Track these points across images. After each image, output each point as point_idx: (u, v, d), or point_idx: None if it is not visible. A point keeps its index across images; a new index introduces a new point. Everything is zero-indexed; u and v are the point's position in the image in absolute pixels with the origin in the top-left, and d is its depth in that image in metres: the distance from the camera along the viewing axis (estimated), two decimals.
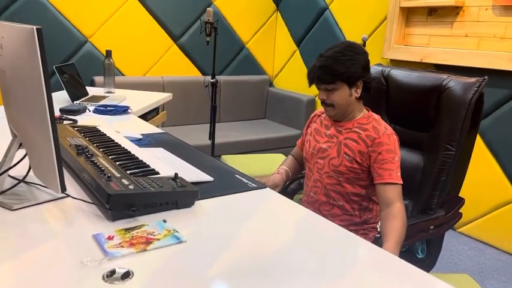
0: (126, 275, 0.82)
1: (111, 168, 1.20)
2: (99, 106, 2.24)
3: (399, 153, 1.57)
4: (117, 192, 1.03)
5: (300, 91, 4.18)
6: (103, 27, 3.61)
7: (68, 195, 1.13)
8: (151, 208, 1.09)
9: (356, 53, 1.56)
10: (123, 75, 3.81)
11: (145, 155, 1.39)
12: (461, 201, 1.81)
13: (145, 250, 0.92)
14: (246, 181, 1.37)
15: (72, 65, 2.60)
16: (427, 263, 1.79)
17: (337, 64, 1.53)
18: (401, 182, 1.52)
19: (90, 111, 2.21)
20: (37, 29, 0.85)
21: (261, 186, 1.34)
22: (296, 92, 4.26)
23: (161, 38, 3.91)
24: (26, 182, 1.18)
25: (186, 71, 4.11)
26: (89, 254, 0.88)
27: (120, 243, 0.93)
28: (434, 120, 1.79)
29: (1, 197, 1.09)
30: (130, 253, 0.90)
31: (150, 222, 1.04)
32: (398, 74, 1.96)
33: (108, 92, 2.79)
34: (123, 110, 2.21)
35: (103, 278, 0.81)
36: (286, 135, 4.04)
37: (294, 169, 1.89)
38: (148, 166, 1.28)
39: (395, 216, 1.45)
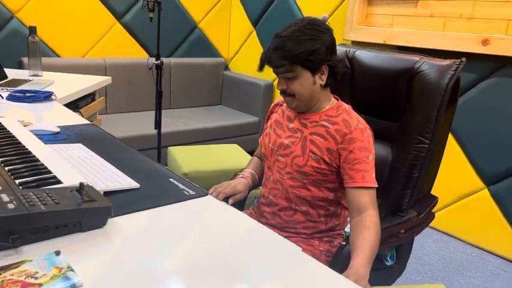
0: None
1: None
2: (16, 92, 1.87)
3: (374, 151, 1.32)
4: None
5: (258, 75, 3.91)
6: (32, 1, 3.16)
7: None
8: (43, 234, 0.79)
9: (318, 31, 1.28)
10: (58, 56, 3.38)
11: (51, 156, 1.07)
12: (434, 200, 1.61)
13: None
14: (183, 187, 1.09)
15: None
16: (395, 270, 1.59)
17: (296, 45, 1.25)
18: (376, 185, 1.28)
19: (3, 97, 1.84)
20: None
21: (201, 193, 1.07)
22: (253, 77, 3.98)
23: (102, 15, 3.50)
24: None
25: (131, 52, 3.73)
26: None
27: None
28: (405, 109, 1.56)
29: None
30: None
31: (35, 256, 0.74)
32: (365, 55, 1.72)
33: (34, 76, 2.41)
34: (44, 97, 1.86)
35: None
36: (242, 123, 3.77)
37: (260, 169, 1.59)
38: (49, 172, 0.97)
39: (367, 226, 1.21)
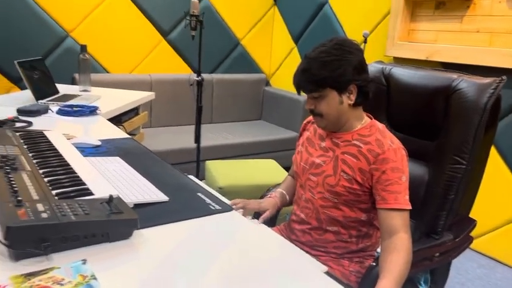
0: None
1: (31, 188, 0.95)
2: (64, 106, 2.00)
3: (407, 172, 1.29)
4: (21, 224, 0.78)
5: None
6: (86, 21, 3.37)
7: None
8: (72, 242, 0.84)
9: (345, 52, 1.28)
10: (107, 72, 3.57)
11: (87, 168, 1.14)
12: (472, 223, 1.54)
13: None
14: (209, 201, 1.12)
15: (41, 60, 2.37)
16: None
17: (321, 67, 1.25)
18: (410, 207, 1.25)
19: (53, 111, 1.97)
20: None
21: (226, 208, 1.09)
22: (293, 93, 4.00)
23: (149, 34, 3.67)
24: None
25: (176, 68, 3.86)
26: None
27: None
28: (442, 128, 1.52)
29: None
30: None
31: (63, 264, 0.79)
32: (401, 72, 1.69)
33: (83, 91, 2.55)
34: (90, 111, 1.97)
35: None
36: (281, 138, 3.78)
37: (293, 191, 1.60)
38: (84, 184, 1.03)
39: (397, 249, 1.18)
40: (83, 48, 2.54)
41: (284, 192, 1.54)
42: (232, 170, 2.48)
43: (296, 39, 4.06)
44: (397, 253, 1.16)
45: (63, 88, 2.53)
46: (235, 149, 3.48)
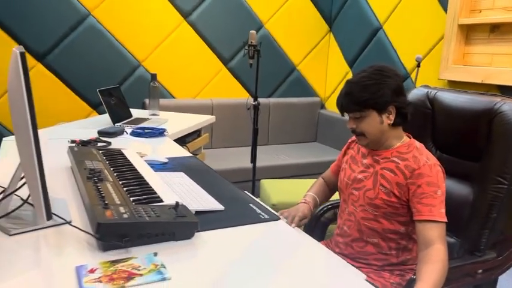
0: None
1: (114, 195, 1.16)
2: (137, 128, 2.27)
3: (443, 188, 1.37)
4: (108, 221, 0.98)
5: None
6: (155, 52, 3.73)
7: (67, 222, 1.10)
8: (146, 239, 1.03)
9: (384, 76, 1.41)
10: (174, 98, 3.89)
11: (157, 180, 1.34)
12: None
13: (123, 287, 0.85)
14: (259, 211, 1.28)
15: (117, 88, 2.68)
16: None
17: (362, 90, 1.40)
18: (445, 220, 1.33)
19: (127, 133, 2.24)
20: (20, 53, 0.83)
21: (274, 218, 1.24)
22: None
23: (211, 62, 3.96)
24: (32, 205, 1.18)
25: (235, 93, 4.11)
26: (60, 286, 0.83)
27: (99, 278, 0.87)
28: (485, 149, 1.58)
29: (4, 220, 1.09)
30: None
31: (140, 255, 0.98)
32: (445, 96, 1.77)
33: (152, 115, 2.84)
34: (158, 133, 2.22)
35: None
36: (335, 159, 3.86)
37: (323, 193, 1.75)
38: (155, 193, 1.22)
39: (433, 260, 1.26)
40: (153, 76, 2.84)
41: (315, 195, 1.68)
42: (286, 188, 2.62)
43: (351, 64, 4.18)
44: (432, 264, 1.24)
45: (135, 112, 2.83)
46: (290, 170, 3.62)
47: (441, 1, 3.17)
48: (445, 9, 3.11)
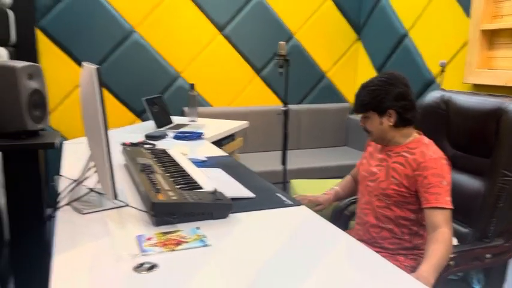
0: (152, 268, 0.99)
1: (163, 183, 1.40)
2: (178, 133, 2.53)
3: (449, 178, 1.54)
4: (160, 202, 1.22)
5: None
6: (193, 63, 4.02)
7: (127, 205, 1.35)
8: (190, 217, 1.26)
9: (387, 84, 1.60)
10: (210, 106, 4.16)
11: (197, 173, 1.58)
12: None
13: (173, 250, 1.08)
14: (284, 199, 1.48)
15: (160, 97, 2.97)
16: None
17: (366, 94, 1.62)
18: (450, 207, 1.50)
19: (170, 136, 2.50)
20: (96, 68, 1.09)
21: (297, 203, 1.44)
22: None
23: (245, 71, 4.21)
24: (98, 192, 1.43)
25: (268, 100, 4.34)
26: (128, 250, 1.07)
27: (155, 243, 1.11)
28: (494, 146, 1.72)
29: (76, 203, 1.35)
30: (160, 251, 1.07)
31: (185, 228, 1.21)
32: (458, 98, 1.93)
33: (191, 121, 3.10)
34: (197, 136, 2.47)
35: (133, 269, 0.98)
36: None
37: (349, 189, 1.95)
38: (196, 183, 1.46)
39: (438, 240, 1.43)
40: (192, 86, 3.11)
41: (339, 189, 1.92)
42: (314, 187, 2.80)
43: (378, 70, 4.32)
44: (437, 244, 1.41)
45: (175, 119, 3.10)
46: (320, 172, 3.80)
47: (464, 8, 3.29)
48: (468, 15, 3.22)
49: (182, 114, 3.94)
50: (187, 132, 2.54)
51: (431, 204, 1.50)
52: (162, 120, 2.79)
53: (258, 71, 4.26)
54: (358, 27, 4.54)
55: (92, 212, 1.31)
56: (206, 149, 2.28)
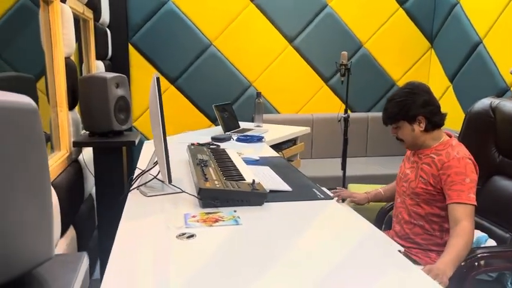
0: (191, 236, 1.24)
1: (213, 174, 1.66)
2: (241, 136, 2.80)
3: (473, 176, 1.62)
4: (206, 187, 1.47)
5: (452, 127, 4.06)
6: (264, 73, 4.30)
7: (182, 191, 1.63)
8: (230, 202, 1.50)
9: (411, 93, 1.71)
10: (278, 113, 4.41)
11: (244, 168, 1.82)
12: None
13: (211, 225, 1.33)
14: (318, 193, 1.66)
15: (229, 104, 3.27)
16: None
17: (393, 106, 1.73)
18: (472, 203, 1.57)
19: (233, 139, 2.78)
20: (156, 77, 1.38)
21: (328, 197, 1.61)
22: (450, 128, 4.14)
23: (313, 80, 4.39)
24: (160, 180, 1.73)
25: (335, 108, 4.45)
26: (175, 223, 1.34)
27: (197, 220, 1.36)
28: None
29: (143, 188, 1.66)
30: (201, 226, 1.32)
31: (225, 211, 1.45)
32: (506, 105, 1.95)
33: (257, 126, 3.36)
34: (257, 139, 2.72)
35: (176, 236, 1.24)
36: None
37: (391, 192, 2.04)
38: (241, 174, 1.70)
39: (458, 234, 1.52)
40: (258, 94, 3.38)
41: (381, 191, 2.04)
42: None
43: (451, 78, 4.24)
44: (457, 238, 1.50)
45: (243, 124, 3.39)
46: (381, 179, 3.83)
47: None
48: None
49: (252, 120, 4.22)
50: (250, 135, 2.80)
51: (453, 200, 1.58)
52: (230, 125, 3.08)
53: (326, 80, 4.42)
54: (430, 36, 4.50)
55: (154, 196, 1.61)
56: (263, 151, 2.51)
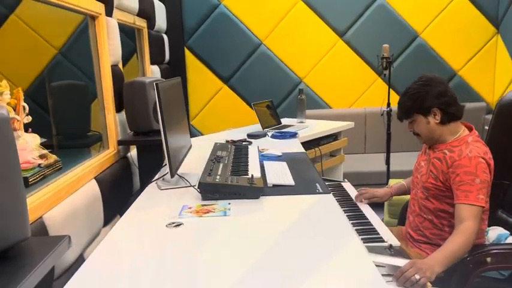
0: (178, 225, 1.38)
1: (220, 169, 1.79)
2: (276, 132, 2.89)
3: (483, 177, 1.54)
4: (205, 182, 1.60)
5: None
6: (314, 69, 4.32)
7: (191, 185, 1.77)
8: (229, 195, 1.61)
9: (425, 85, 1.66)
10: (330, 107, 4.40)
11: (255, 164, 1.92)
12: None
13: (201, 216, 1.46)
14: (318, 188, 1.71)
15: (269, 101, 3.36)
16: None
17: (407, 99, 1.70)
18: (480, 204, 1.51)
19: (268, 136, 2.88)
20: (155, 84, 1.54)
21: (327, 192, 1.66)
22: None
23: (366, 74, 4.31)
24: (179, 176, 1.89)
25: (392, 102, 4.33)
26: (171, 213, 1.49)
27: (191, 211, 1.50)
28: None
29: (160, 181, 1.84)
30: (192, 216, 1.46)
31: (221, 203, 1.56)
32: None
33: (300, 122, 3.41)
34: (290, 135, 2.79)
35: (166, 225, 1.39)
36: None
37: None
38: (247, 170, 1.80)
39: (459, 232, 1.47)
40: (300, 90, 3.43)
41: (404, 183, 2.00)
42: None
43: None
44: (456, 235, 1.46)
45: (286, 121, 3.46)
46: None
47: None
48: None
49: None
50: (284, 132, 2.87)
51: (460, 201, 1.53)
52: (268, 121, 3.18)
53: (380, 72, 4.31)
54: (496, 20, 4.17)
55: (167, 189, 1.78)
56: (291, 146, 2.56)
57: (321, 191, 1.67)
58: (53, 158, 1.89)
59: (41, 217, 1.63)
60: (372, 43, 4.24)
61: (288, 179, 1.80)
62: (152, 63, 3.70)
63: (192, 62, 4.35)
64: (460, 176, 1.55)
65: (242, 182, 1.63)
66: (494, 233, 1.77)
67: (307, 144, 2.91)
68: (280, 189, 1.70)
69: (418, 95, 1.68)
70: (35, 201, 1.63)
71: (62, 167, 1.94)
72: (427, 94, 1.66)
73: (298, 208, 1.53)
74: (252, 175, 1.67)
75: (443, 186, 1.63)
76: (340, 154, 3.35)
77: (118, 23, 2.81)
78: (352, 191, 2.14)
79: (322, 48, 4.30)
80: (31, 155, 1.81)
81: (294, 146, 2.59)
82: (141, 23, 3.42)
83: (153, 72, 3.67)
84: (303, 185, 1.75)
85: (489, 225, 1.88)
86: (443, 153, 1.66)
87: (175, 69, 4.27)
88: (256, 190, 1.61)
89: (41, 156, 1.85)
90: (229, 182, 1.61)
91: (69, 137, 2.57)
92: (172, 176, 1.63)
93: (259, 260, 1.14)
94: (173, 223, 1.40)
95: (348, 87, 4.36)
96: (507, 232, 1.74)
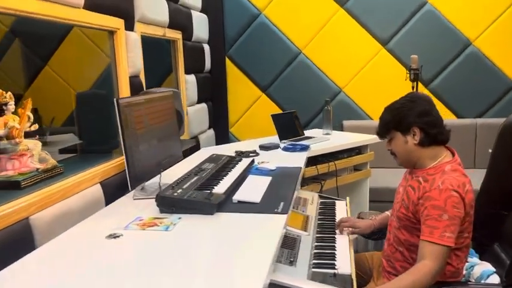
0: (116, 237, 1.43)
1: (189, 183, 1.80)
2: (288, 145, 2.83)
3: (454, 212, 1.38)
4: (163, 195, 1.64)
5: None
6: (355, 78, 4.15)
7: (152, 198, 1.80)
8: (184, 209, 1.63)
9: (409, 101, 1.53)
10: (371, 119, 4.19)
11: (231, 179, 1.90)
12: None
13: (144, 229, 1.49)
14: (281, 207, 1.64)
15: (291, 112, 3.29)
16: None
17: (387, 114, 1.57)
18: (444, 243, 1.35)
19: (280, 148, 2.84)
20: (116, 100, 1.61)
21: (285, 212, 1.60)
22: None
23: (410, 84, 4.04)
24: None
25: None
26: (120, 224, 1.54)
27: (139, 223, 1.54)
28: None
29: (138, 191, 1.91)
30: (136, 229, 1.49)
31: (171, 217, 1.58)
32: None
33: (325, 134, 3.31)
34: (300, 148, 2.72)
35: (106, 236, 1.44)
36: None
37: None
38: (216, 185, 1.80)
39: (412, 270, 1.34)
40: (327, 102, 3.33)
41: (388, 213, 1.84)
42: None
43: None
44: (407, 274, 1.34)
45: (310, 132, 3.37)
46: None
47: None
48: None
49: (341, 127, 4.13)
50: (297, 144, 2.81)
51: (424, 237, 1.39)
52: (287, 133, 3.12)
53: (426, 83, 4.03)
54: None
55: (139, 198, 1.84)
56: (293, 160, 2.48)
57: (279, 211, 1.62)
58: (52, 163, 2.05)
59: (27, 218, 1.78)
60: (418, 52, 3.96)
61: (255, 196, 1.76)
62: (189, 72, 3.83)
63: (232, 70, 4.43)
64: (428, 210, 1.41)
65: (199, 197, 1.63)
66: (480, 269, 1.58)
67: (322, 158, 2.83)
68: (242, 206, 1.68)
69: (399, 110, 1.55)
70: (21, 202, 1.78)
71: (63, 172, 2.09)
72: (409, 111, 1.53)
73: (242, 227, 1.50)
74: (211, 191, 1.67)
75: (414, 218, 1.49)
76: (366, 169, 3.19)
77: (145, 35, 2.97)
78: (342, 212, 2.04)
79: (364, 57, 4.13)
80: (30, 160, 1.98)
81: (296, 159, 2.52)
82: (175, 34, 3.56)
83: (188, 81, 3.79)
84: (266, 203, 1.70)
85: (484, 260, 1.69)
86: (419, 182, 1.51)
87: (216, 78, 4.38)
88: (210, 206, 1.61)
89: (42, 162, 2.02)
90: (185, 196, 1.63)
91: (92, 143, 2.74)
92: (129, 188, 1.69)
93: (175, 277, 1.14)
94: (113, 234, 1.44)
95: (391, 98, 4.10)
96: (492, 269, 1.55)
